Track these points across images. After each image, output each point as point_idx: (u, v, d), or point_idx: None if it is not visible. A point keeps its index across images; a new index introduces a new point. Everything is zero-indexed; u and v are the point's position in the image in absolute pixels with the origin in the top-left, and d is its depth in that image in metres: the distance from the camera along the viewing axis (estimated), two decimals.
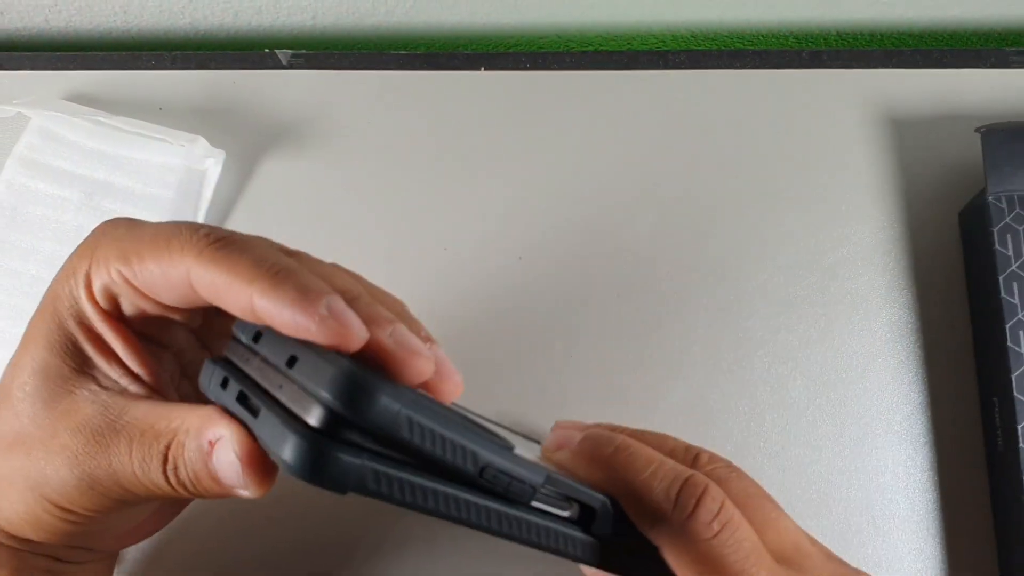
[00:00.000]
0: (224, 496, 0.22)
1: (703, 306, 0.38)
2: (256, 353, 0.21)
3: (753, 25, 0.48)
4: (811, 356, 0.37)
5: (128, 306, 0.24)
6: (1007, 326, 0.33)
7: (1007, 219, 0.35)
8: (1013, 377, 0.33)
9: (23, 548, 0.25)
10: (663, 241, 0.39)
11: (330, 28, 0.48)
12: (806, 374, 0.37)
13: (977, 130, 0.36)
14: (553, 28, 0.49)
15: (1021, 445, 0.32)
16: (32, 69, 0.43)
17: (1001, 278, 0.34)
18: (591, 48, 0.50)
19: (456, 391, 0.22)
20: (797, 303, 0.38)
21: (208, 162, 0.40)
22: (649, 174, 0.40)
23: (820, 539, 0.28)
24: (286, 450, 0.18)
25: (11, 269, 0.39)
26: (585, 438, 0.27)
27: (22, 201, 0.39)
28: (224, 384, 0.22)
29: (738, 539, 0.24)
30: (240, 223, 0.40)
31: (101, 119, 0.40)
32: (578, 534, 0.24)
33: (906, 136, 0.40)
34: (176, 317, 0.25)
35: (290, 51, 0.43)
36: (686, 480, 0.25)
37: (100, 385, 0.23)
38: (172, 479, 0.22)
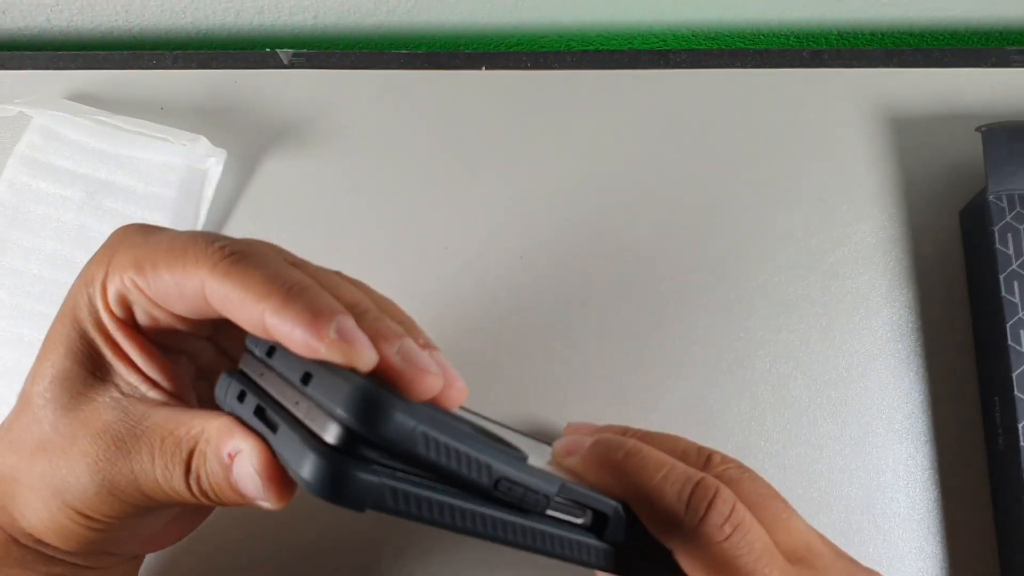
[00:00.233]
0: (246, 505, 0.22)
1: (703, 306, 0.38)
2: (270, 368, 0.22)
3: (754, 24, 0.48)
4: (812, 355, 0.37)
5: (142, 314, 0.23)
6: (1008, 325, 0.33)
7: (1008, 218, 0.35)
8: (1014, 376, 0.33)
9: (48, 553, 0.25)
10: (664, 241, 0.39)
11: (331, 27, 0.48)
12: (807, 373, 0.37)
13: (978, 129, 0.36)
14: (554, 27, 0.49)
15: (1022, 444, 0.32)
16: (34, 68, 0.43)
17: (1002, 277, 0.34)
18: (592, 47, 0.50)
19: (460, 397, 0.22)
20: (797, 303, 0.38)
21: (209, 161, 0.40)
22: (650, 174, 0.40)
23: None
24: (305, 468, 0.18)
25: (12, 268, 0.39)
26: (595, 443, 0.27)
27: (24, 200, 0.40)
28: (241, 397, 0.22)
29: (750, 541, 0.24)
30: (241, 222, 0.40)
31: (103, 118, 0.40)
32: (592, 541, 0.24)
33: (907, 135, 0.40)
34: (188, 329, 0.24)
35: (291, 50, 0.43)
36: (697, 483, 0.25)
37: (120, 391, 0.23)
38: (195, 488, 0.22)
